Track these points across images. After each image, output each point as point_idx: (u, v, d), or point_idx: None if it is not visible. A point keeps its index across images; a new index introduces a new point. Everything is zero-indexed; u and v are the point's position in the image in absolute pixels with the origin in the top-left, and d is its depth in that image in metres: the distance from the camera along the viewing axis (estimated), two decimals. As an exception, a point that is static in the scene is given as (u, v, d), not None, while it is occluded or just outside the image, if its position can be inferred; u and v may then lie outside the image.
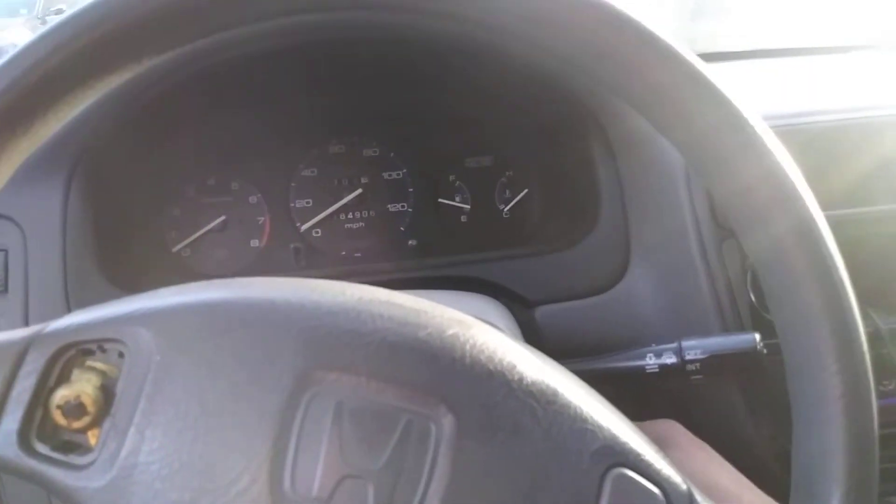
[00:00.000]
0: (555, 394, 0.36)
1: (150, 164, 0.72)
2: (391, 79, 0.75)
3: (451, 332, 0.36)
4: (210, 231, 0.75)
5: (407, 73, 0.74)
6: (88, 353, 0.34)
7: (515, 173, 0.80)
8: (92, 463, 0.33)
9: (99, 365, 0.34)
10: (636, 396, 0.53)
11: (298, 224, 0.77)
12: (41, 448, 0.33)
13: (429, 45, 0.67)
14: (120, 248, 0.64)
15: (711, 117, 0.36)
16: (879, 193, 0.62)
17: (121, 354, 0.34)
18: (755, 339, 0.49)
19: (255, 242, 0.77)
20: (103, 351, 0.34)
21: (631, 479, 0.36)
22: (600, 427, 0.36)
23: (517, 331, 0.59)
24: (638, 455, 0.37)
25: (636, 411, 0.50)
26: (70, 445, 0.34)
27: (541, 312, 0.64)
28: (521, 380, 0.36)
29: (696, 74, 0.36)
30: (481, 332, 0.37)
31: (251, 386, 0.33)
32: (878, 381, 0.67)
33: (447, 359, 0.35)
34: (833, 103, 0.67)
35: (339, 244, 0.78)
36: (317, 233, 0.78)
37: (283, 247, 0.76)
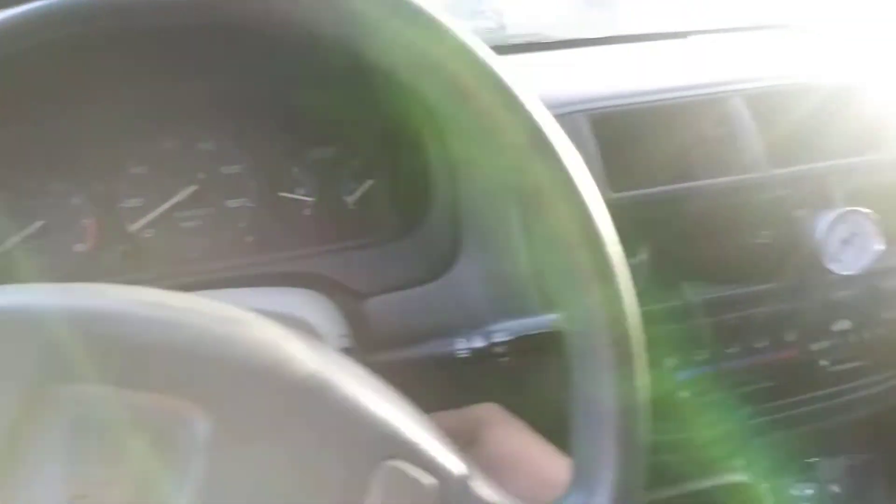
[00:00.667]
0: (325, 389, 0.35)
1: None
2: (225, 68, 0.72)
3: (217, 331, 0.34)
4: (28, 238, 0.70)
5: (241, 62, 0.71)
6: None
7: (360, 164, 0.78)
8: None
9: None
10: (454, 383, 0.52)
11: (128, 225, 0.73)
12: None
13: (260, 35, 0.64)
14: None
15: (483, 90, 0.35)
16: (693, 170, 0.64)
17: None
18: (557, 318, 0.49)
19: (79, 247, 0.72)
20: None
21: (401, 470, 0.35)
22: (374, 420, 0.35)
23: (338, 324, 0.58)
24: (413, 445, 0.36)
25: (455, 398, 0.50)
26: None
27: (372, 303, 0.63)
28: (289, 378, 0.34)
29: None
30: (254, 329, 0.35)
31: None
32: (691, 352, 0.70)
33: (207, 359, 0.33)
34: (655, 85, 0.69)
35: (174, 244, 0.75)
36: (149, 233, 0.74)
37: (112, 250, 0.72)
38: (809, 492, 1.02)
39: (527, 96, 0.36)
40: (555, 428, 0.50)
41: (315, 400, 0.34)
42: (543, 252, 0.37)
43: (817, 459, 1.00)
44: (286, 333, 0.36)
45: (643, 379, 0.38)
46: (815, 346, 0.79)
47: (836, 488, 1.02)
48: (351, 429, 0.34)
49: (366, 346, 0.55)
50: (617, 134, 0.61)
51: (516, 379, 0.54)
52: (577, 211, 0.36)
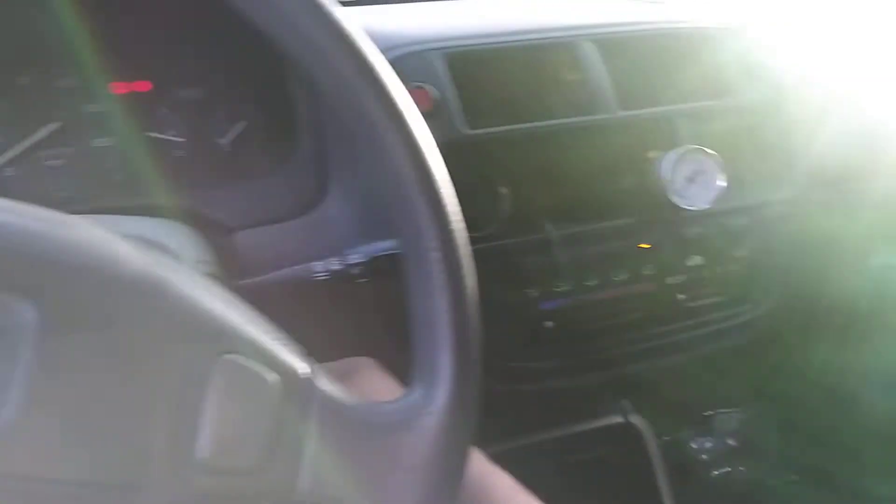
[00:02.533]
0: (158, 285, 0.36)
1: None
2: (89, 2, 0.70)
3: (44, 229, 0.35)
4: None
5: None
6: None
7: (231, 105, 0.78)
8: None
9: None
10: (315, 306, 0.54)
11: (-13, 163, 0.71)
12: None
13: None
14: None
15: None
16: (547, 111, 0.67)
17: None
18: None
19: (-66, 183, 0.69)
20: None
21: (242, 364, 0.37)
22: (210, 317, 0.37)
23: (200, 251, 0.58)
24: (253, 342, 0.37)
25: (316, 321, 0.52)
26: None
27: (240, 236, 0.64)
28: (118, 275, 0.35)
29: None
30: (83, 230, 0.36)
31: None
32: (553, 284, 0.74)
33: (33, 253, 0.34)
34: (510, 27, 0.72)
35: (40, 184, 0.73)
36: (9, 172, 0.72)
37: (-31, 188, 0.70)
38: (708, 445, 1.08)
39: (356, 33, 0.38)
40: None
41: (145, 294, 0.35)
42: (379, 179, 0.40)
43: (713, 413, 1.06)
44: (116, 237, 0.36)
45: (471, 287, 0.41)
46: (670, 280, 0.85)
47: (732, 441, 1.08)
48: (186, 324, 0.36)
49: (231, 274, 0.56)
50: (473, 73, 0.64)
51: (372, 299, 0.56)
52: (402, 134, 0.39)
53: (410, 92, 0.39)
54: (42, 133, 0.72)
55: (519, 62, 0.67)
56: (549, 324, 0.74)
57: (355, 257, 0.51)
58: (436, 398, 0.39)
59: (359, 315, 0.50)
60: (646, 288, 0.83)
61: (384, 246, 0.52)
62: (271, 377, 0.37)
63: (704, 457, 1.10)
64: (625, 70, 0.72)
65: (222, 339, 0.37)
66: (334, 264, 0.51)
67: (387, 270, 0.51)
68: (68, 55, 0.73)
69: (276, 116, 0.69)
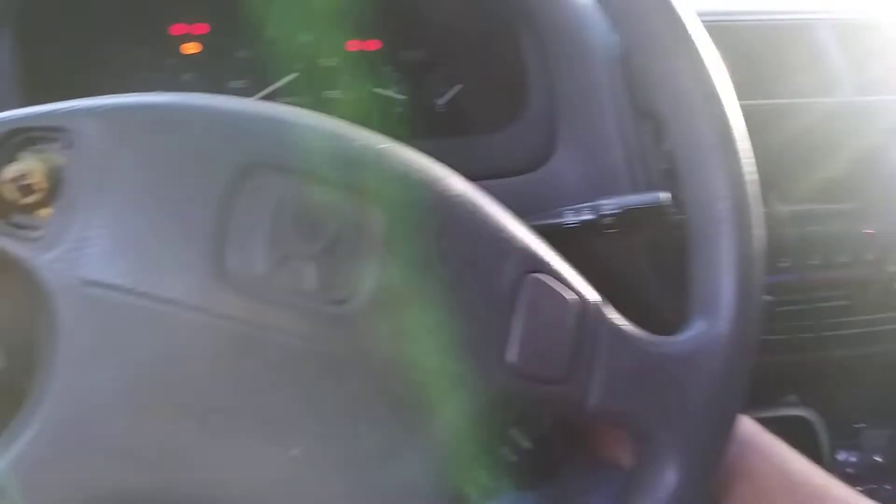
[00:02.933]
0: (476, 205, 0.40)
1: (82, 33, 0.70)
2: None
3: (381, 146, 0.39)
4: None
5: None
6: (34, 140, 0.35)
7: (449, 67, 0.82)
8: (44, 236, 0.34)
9: (46, 151, 0.35)
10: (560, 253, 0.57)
11: (232, 105, 0.77)
12: None
13: None
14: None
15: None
16: (781, 90, 0.68)
17: (66, 145, 0.36)
18: (661, 196, 0.54)
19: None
20: (49, 140, 0.36)
21: (546, 283, 0.40)
22: (518, 238, 0.40)
23: None
24: (553, 265, 0.41)
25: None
26: (19, 225, 0.35)
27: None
28: (446, 190, 0.39)
29: None
30: (408, 151, 0.40)
31: (196, 173, 0.35)
32: (775, 259, 0.74)
33: (378, 167, 0.38)
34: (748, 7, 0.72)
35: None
36: (251, 115, 0.78)
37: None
38: (853, 459, 1.04)
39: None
40: (636, 305, 0.54)
41: (468, 212, 0.39)
42: (671, 131, 0.42)
43: (863, 426, 1.02)
44: (429, 160, 0.40)
45: (759, 232, 0.42)
46: (891, 268, 0.82)
47: (879, 458, 1.03)
48: (500, 240, 0.39)
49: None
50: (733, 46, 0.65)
51: (620, 251, 0.58)
52: (708, 91, 0.41)
53: None
54: (282, 81, 0.79)
55: (760, 40, 0.68)
56: (770, 297, 0.74)
57: (609, 207, 0.53)
58: (720, 330, 0.41)
59: (603, 266, 0.52)
60: (865, 273, 0.81)
61: (637, 199, 0.54)
62: (571, 296, 0.40)
63: (850, 470, 1.06)
64: (860, 55, 0.71)
65: (529, 258, 0.40)
66: (586, 213, 0.54)
67: (639, 223, 0.53)
68: (310, 13, 0.79)
69: (505, 77, 0.73)
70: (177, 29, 0.76)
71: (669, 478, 0.41)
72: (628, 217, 0.53)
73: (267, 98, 0.78)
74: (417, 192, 0.38)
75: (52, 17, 0.65)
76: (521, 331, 0.39)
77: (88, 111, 0.35)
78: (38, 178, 0.33)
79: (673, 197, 0.53)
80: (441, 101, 0.82)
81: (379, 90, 0.81)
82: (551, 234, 0.57)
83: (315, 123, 0.38)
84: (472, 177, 0.70)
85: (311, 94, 0.80)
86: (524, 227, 0.41)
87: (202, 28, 0.76)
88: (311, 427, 0.36)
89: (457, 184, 0.40)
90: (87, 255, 0.34)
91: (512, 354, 0.39)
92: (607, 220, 0.53)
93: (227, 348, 0.35)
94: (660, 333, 0.42)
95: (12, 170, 0.33)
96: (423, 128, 0.80)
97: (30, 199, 0.34)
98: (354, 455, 0.37)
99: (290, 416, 0.36)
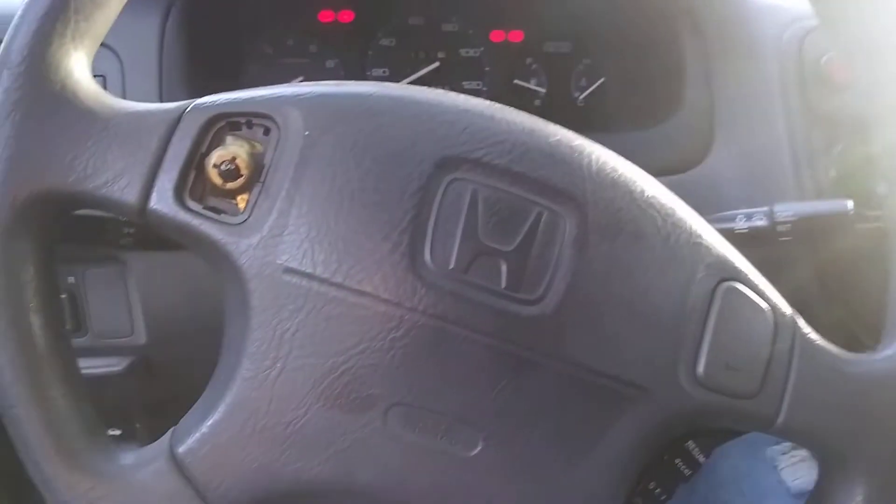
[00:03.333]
0: (673, 209, 0.37)
1: (235, 18, 0.72)
2: None
3: (577, 142, 0.37)
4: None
5: None
6: (236, 126, 0.36)
7: (593, 61, 0.79)
8: (244, 221, 0.34)
9: (247, 137, 0.35)
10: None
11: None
12: (194, 206, 0.35)
13: None
14: (207, 83, 0.65)
15: None
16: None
17: (266, 131, 0.36)
18: (848, 204, 0.50)
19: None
20: (250, 126, 0.36)
21: (742, 293, 0.37)
22: (714, 244, 0.38)
23: None
24: (747, 274, 0.38)
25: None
26: (218, 210, 0.35)
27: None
28: (643, 191, 0.37)
29: None
30: (603, 149, 0.38)
31: (393, 165, 0.35)
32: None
33: (575, 163, 0.36)
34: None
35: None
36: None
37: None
38: None
39: None
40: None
41: (665, 214, 0.37)
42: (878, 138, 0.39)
43: None
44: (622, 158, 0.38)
45: None
46: None
47: None
48: (695, 245, 0.37)
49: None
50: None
51: (779, 262, 0.55)
52: None
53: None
54: (423, 71, 0.78)
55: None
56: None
57: (785, 214, 0.50)
58: None
59: (773, 274, 0.49)
60: None
61: (820, 205, 0.50)
62: (765, 306, 0.38)
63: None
64: None
65: (725, 266, 0.38)
66: (759, 219, 0.50)
67: (818, 232, 0.50)
68: (455, 2, 0.79)
69: (658, 73, 0.70)
70: (324, 16, 0.76)
71: (856, 500, 0.38)
72: (807, 226, 0.50)
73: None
74: (613, 192, 0.36)
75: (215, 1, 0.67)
76: (713, 342, 0.37)
77: (292, 99, 0.35)
78: (241, 163, 0.34)
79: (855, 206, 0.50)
80: (580, 96, 0.80)
81: (519, 82, 0.79)
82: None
83: (511, 117, 0.37)
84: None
85: (451, 84, 0.79)
86: (718, 234, 0.39)
87: (348, 16, 0.77)
88: (494, 427, 0.35)
89: (653, 185, 0.38)
90: (285, 242, 0.34)
91: (702, 366, 0.36)
92: (783, 228, 0.50)
93: (417, 343, 0.34)
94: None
95: (217, 155, 0.34)
96: (563, 122, 0.78)
97: (232, 185, 0.34)
98: (534, 459, 0.36)
99: (472, 414, 0.35)
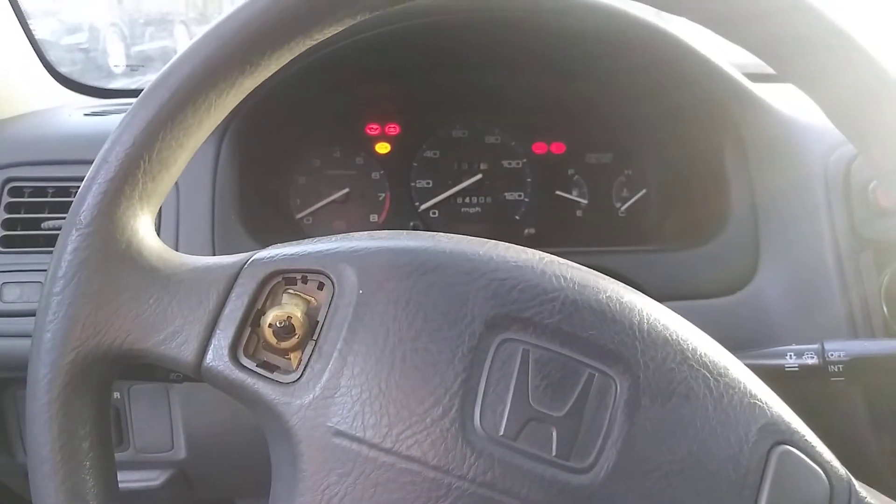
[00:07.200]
0: (726, 367, 0.37)
1: (286, 132, 0.74)
2: (515, 65, 0.76)
3: (627, 298, 0.37)
4: (332, 202, 0.77)
5: (529, 58, 0.74)
6: (292, 281, 0.36)
7: (635, 173, 0.80)
8: (296, 381, 0.34)
9: (302, 293, 0.36)
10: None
11: (417, 203, 0.79)
12: (247, 363, 0.35)
13: (557, 33, 0.68)
14: (258, 207, 0.67)
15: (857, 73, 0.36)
16: None
17: (320, 286, 0.36)
18: None
19: (374, 217, 0.79)
20: (305, 282, 0.36)
21: (797, 456, 0.36)
22: (768, 405, 0.37)
23: None
24: (803, 436, 0.37)
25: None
26: (270, 366, 0.35)
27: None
28: (695, 350, 0.36)
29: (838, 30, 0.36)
30: (653, 303, 0.38)
31: (444, 325, 0.35)
32: None
33: (626, 322, 0.36)
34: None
35: (455, 227, 0.80)
36: (434, 213, 0.80)
37: (402, 224, 0.78)
38: None
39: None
40: (852, 455, 0.49)
41: (718, 374, 0.36)
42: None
43: None
44: (674, 313, 0.38)
45: None
46: None
47: None
48: (749, 406, 0.36)
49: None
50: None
51: (827, 401, 0.53)
52: None
53: None
54: (466, 182, 0.79)
55: None
56: None
57: (837, 353, 0.49)
58: None
59: (823, 408, 0.48)
60: None
61: (872, 345, 0.49)
62: (821, 472, 0.36)
63: None
64: None
65: (779, 428, 0.37)
66: (809, 356, 0.49)
67: (870, 373, 0.48)
68: (498, 115, 0.81)
69: (701, 186, 0.70)
70: (371, 129, 0.78)
71: None
72: (858, 366, 0.48)
73: (452, 198, 0.79)
74: (665, 351, 0.36)
75: (267, 118, 0.70)
76: None
77: (346, 256, 0.36)
78: (296, 322, 0.34)
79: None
80: (622, 207, 0.80)
81: (561, 193, 0.80)
82: (768, 375, 0.54)
83: (561, 272, 0.37)
84: (665, 296, 0.68)
85: (494, 194, 0.80)
86: (768, 388, 0.38)
87: (394, 129, 0.79)
88: None
89: (705, 342, 0.37)
90: (336, 403, 0.34)
91: None
92: (835, 368, 0.49)
93: None
94: (877, 486, 0.38)
95: (274, 315, 0.34)
96: (605, 233, 0.79)
97: (286, 343, 0.34)
98: None
99: None
